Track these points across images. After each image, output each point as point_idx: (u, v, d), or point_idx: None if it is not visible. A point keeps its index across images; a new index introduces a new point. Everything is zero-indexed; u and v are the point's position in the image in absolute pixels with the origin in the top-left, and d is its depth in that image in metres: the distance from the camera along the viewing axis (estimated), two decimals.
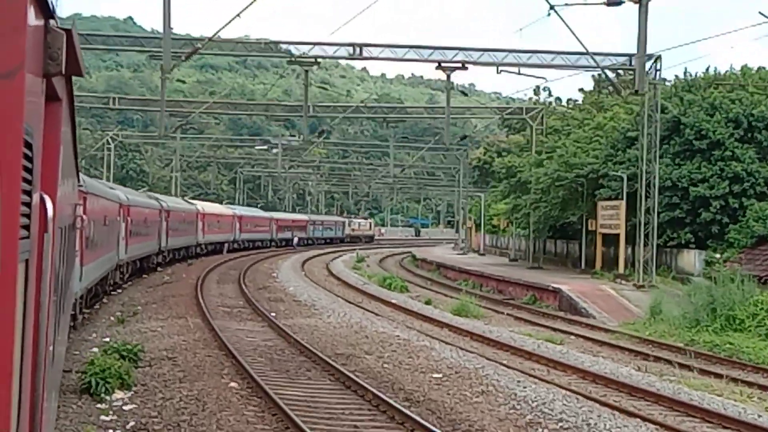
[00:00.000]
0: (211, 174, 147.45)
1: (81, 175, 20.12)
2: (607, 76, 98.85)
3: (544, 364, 25.61)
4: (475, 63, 48.15)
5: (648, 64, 47.37)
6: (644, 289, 44.82)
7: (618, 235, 50.01)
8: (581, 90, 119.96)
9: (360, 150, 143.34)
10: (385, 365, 23.19)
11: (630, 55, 47.28)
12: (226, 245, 79.98)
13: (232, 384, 19.72)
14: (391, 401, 17.97)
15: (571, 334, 34.48)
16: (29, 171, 3.17)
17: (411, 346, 26.49)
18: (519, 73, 48.02)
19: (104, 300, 37.96)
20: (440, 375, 22.09)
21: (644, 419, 17.68)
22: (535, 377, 22.27)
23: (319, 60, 50.15)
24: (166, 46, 45.47)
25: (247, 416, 16.90)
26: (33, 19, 3.10)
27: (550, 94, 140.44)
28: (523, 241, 73.57)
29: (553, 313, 41.89)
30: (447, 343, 28.26)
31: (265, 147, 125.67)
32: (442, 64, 49.30)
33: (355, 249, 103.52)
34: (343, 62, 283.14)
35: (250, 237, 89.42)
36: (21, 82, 2.87)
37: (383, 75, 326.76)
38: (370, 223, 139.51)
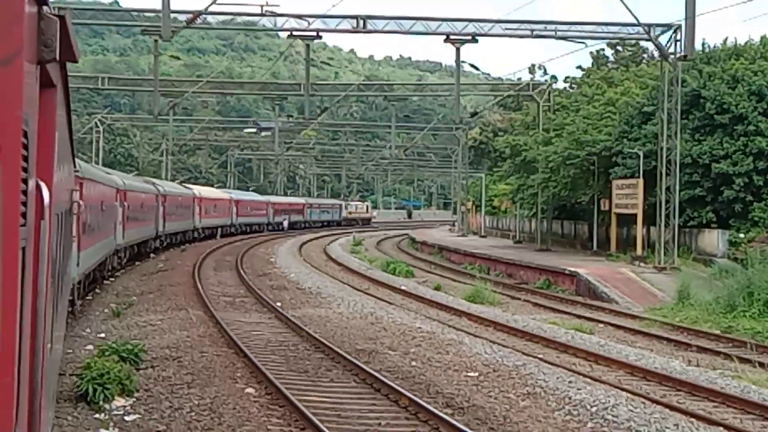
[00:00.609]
0: (200, 158, 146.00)
1: (77, 160, 19.58)
2: (620, 48, 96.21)
3: (584, 357, 23.36)
4: (485, 35, 45.61)
5: (666, 36, 45.02)
6: (666, 272, 42.59)
7: (634, 215, 47.68)
8: (579, 67, 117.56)
9: (353, 131, 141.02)
10: (413, 363, 20.89)
11: (648, 25, 44.78)
12: (219, 230, 78.42)
13: (249, 390, 17.39)
14: (432, 409, 15.68)
15: (598, 321, 32.21)
16: (25, 158, 3.14)
17: (437, 340, 24.22)
18: (535, 36, 44.85)
19: (97, 290, 35.65)
20: (476, 374, 19.81)
21: (728, 428, 15.40)
22: (584, 375, 19.98)
23: (321, 34, 47.64)
24: (165, 11, 42.74)
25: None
26: (28, 6, 3.11)
27: (545, 73, 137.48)
28: (528, 223, 71.25)
29: (572, 299, 39.64)
30: (475, 335, 25.97)
31: (254, 130, 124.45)
32: (451, 37, 46.79)
33: (350, 232, 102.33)
34: (330, 44, 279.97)
35: (247, 221, 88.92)
36: (19, 68, 2.93)
37: (371, 57, 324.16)
38: (367, 206, 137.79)
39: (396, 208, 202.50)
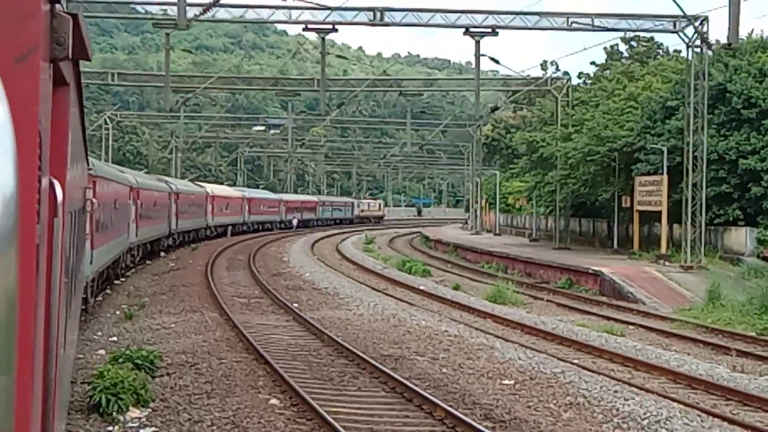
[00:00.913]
0: (210, 156, 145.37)
1: (90, 158, 19.76)
2: (634, 43, 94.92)
3: (621, 363, 22.16)
4: (506, 27, 44.33)
5: (690, 29, 43.72)
6: (692, 271, 41.32)
7: (658, 212, 46.38)
8: (593, 63, 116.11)
9: (363, 129, 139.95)
10: (444, 369, 19.72)
11: (674, 17, 43.48)
12: (230, 228, 77.65)
13: (273, 400, 16.24)
14: (471, 422, 14.50)
15: (628, 323, 30.96)
16: (38, 156, 3.17)
17: (466, 344, 23.05)
18: (560, 28, 43.51)
19: (108, 291, 34.58)
20: (512, 381, 18.64)
21: None
22: (627, 383, 18.77)
23: (337, 27, 46.20)
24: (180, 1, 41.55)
25: None
26: (41, 3, 3.16)
27: (557, 69, 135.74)
28: (544, 220, 69.99)
29: (597, 299, 38.41)
30: (505, 339, 24.78)
31: (263, 128, 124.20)
32: (471, 30, 45.49)
33: (361, 231, 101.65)
34: (339, 41, 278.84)
35: (259, 219, 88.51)
36: (36, 65, 2.95)
37: (379, 54, 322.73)
38: (380, 204, 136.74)
39: (406, 206, 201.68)
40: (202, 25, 43.10)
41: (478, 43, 47.63)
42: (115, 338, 23.55)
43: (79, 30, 3.90)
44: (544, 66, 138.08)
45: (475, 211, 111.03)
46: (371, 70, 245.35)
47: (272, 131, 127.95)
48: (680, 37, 43.76)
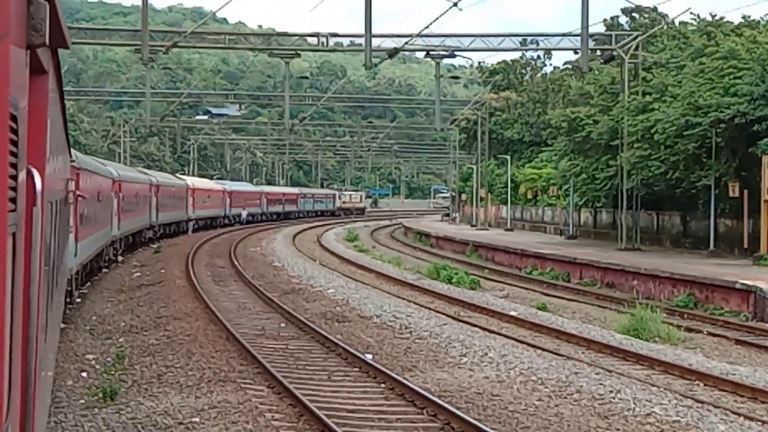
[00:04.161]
0: (152, 145, 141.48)
1: (73, 151, 19.94)
2: (636, 15, 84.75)
3: None
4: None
5: None
6: None
7: None
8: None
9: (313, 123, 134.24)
10: None
11: None
12: (189, 225, 70.17)
13: None
14: None
15: None
16: (14, 143, 3.13)
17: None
18: None
19: (61, 323, 22.54)
20: None
21: None
22: None
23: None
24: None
25: None
26: None
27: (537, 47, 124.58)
28: (577, 214, 58.51)
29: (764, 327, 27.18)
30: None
31: (206, 117, 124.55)
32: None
33: (340, 223, 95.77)
34: (279, 29, 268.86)
35: (240, 212, 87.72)
36: (6, 50, 2.85)
37: (321, 43, 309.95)
38: (361, 196, 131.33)
39: None
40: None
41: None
42: None
43: (57, 16, 3.83)
44: (524, 42, 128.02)
45: (462, 202, 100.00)
46: (315, 60, 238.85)
47: (215, 120, 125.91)
48: None
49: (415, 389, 15.73)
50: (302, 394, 15.30)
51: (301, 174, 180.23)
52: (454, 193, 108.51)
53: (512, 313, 27.33)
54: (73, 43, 45.68)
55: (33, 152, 3.88)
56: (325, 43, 45.28)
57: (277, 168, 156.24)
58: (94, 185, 28.93)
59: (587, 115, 48.78)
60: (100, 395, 15.46)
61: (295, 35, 46.32)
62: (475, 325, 24.46)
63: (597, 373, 17.47)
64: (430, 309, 28.00)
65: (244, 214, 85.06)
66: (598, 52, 50.80)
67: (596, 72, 53.39)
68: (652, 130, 39.58)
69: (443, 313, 27.03)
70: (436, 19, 38.78)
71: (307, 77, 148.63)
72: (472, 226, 79.06)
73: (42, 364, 5.26)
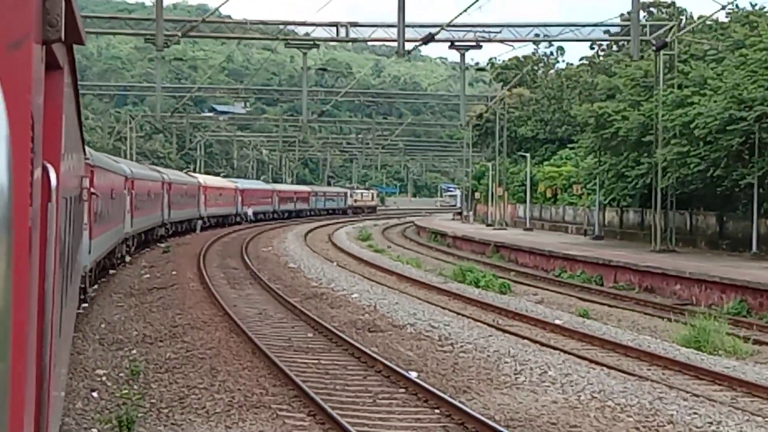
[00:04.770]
0: (157, 142, 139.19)
1: (87, 148, 19.74)
2: (652, 10, 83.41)
3: None
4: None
5: None
6: None
7: None
8: (593, 44, 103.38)
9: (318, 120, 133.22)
10: None
11: None
12: (199, 223, 68.54)
13: None
14: None
15: None
16: (30, 139, 3.09)
17: None
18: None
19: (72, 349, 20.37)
20: None
21: None
22: None
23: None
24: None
25: None
26: None
27: (550, 44, 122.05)
28: (602, 214, 56.14)
29: None
30: None
31: (211, 114, 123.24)
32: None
33: (341, 223, 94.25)
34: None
35: (252, 209, 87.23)
36: (29, 52, 2.89)
37: (341, 34, 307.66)
38: (373, 194, 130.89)
39: None
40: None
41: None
42: None
43: (72, 12, 3.84)
44: (536, 41, 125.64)
45: (475, 201, 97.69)
46: (318, 57, 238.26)
47: (221, 118, 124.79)
48: None
49: (478, 417, 13.63)
50: (349, 423, 13.21)
51: (307, 172, 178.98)
52: (465, 191, 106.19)
53: (557, 321, 25.20)
54: (91, 32, 43.93)
55: (47, 148, 3.91)
56: (346, 34, 42.57)
57: (285, 165, 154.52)
58: (108, 183, 28.98)
59: (616, 110, 46.50)
60: (115, 422, 13.33)
61: (313, 24, 43.39)
62: (521, 336, 22.31)
63: (684, 399, 15.28)
64: (466, 316, 25.84)
65: (250, 212, 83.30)
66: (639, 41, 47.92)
67: (624, 65, 51.08)
68: (692, 125, 37.34)
69: (480, 321, 24.94)
70: (469, 6, 35.20)
71: (326, 69, 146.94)
72: (488, 225, 76.89)
73: (56, 360, 5.27)
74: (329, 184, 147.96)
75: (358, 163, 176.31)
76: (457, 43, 43.94)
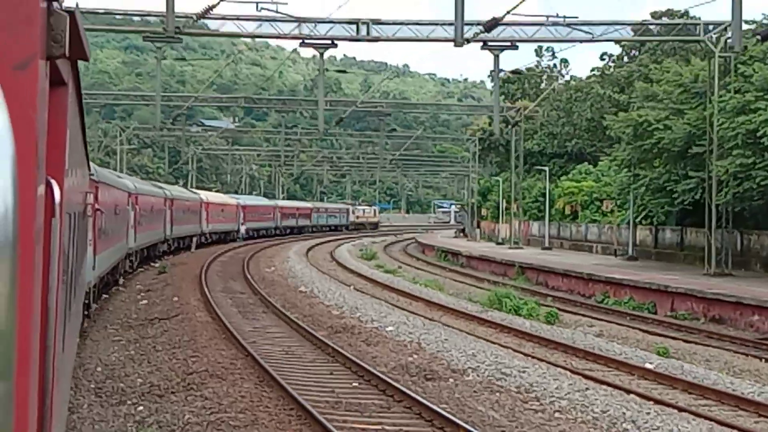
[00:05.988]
0: (146, 157, 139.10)
1: (91, 164, 19.69)
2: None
3: None
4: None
5: None
6: None
7: None
8: (605, 54, 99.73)
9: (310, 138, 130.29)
10: None
11: None
12: (194, 240, 65.37)
13: None
14: None
15: None
16: (35, 156, 3.11)
17: None
18: None
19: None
20: None
21: None
22: None
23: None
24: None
25: None
26: (40, 2, 3.08)
27: (553, 56, 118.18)
28: (634, 233, 51.76)
29: None
30: None
31: (199, 129, 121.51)
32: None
33: (341, 239, 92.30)
34: (273, 43, 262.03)
35: (254, 226, 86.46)
36: (35, 71, 2.88)
37: (314, 56, 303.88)
38: (375, 210, 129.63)
39: None
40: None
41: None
42: None
43: (77, 28, 3.77)
44: (539, 52, 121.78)
45: (477, 219, 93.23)
46: (307, 73, 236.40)
47: (209, 133, 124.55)
48: None
49: None
50: None
51: (297, 188, 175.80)
52: (469, 208, 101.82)
53: (647, 366, 20.85)
54: (90, 29, 40.40)
55: (52, 164, 3.89)
56: (367, 32, 38.42)
57: (276, 181, 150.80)
58: (111, 198, 29.13)
59: (657, 119, 42.34)
60: None
61: (331, 22, 39.15)
62: (623, 389, 17.94)
63: None
64: (537, 359, 21.50)
65: (242, 229, 79.19)
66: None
67: (663, 71, 46.96)
68: (758, 134, 33.19)
69: (561, 366, 20.56)
70: (516, 6, 31.47)
71: (344, 71, 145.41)
72: (498, 243, 72.51)
73: (59, 375, 5.13)
74: (322, 200, 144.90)
75: (351, 179, 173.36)
76: (490, 44, 40.67)
